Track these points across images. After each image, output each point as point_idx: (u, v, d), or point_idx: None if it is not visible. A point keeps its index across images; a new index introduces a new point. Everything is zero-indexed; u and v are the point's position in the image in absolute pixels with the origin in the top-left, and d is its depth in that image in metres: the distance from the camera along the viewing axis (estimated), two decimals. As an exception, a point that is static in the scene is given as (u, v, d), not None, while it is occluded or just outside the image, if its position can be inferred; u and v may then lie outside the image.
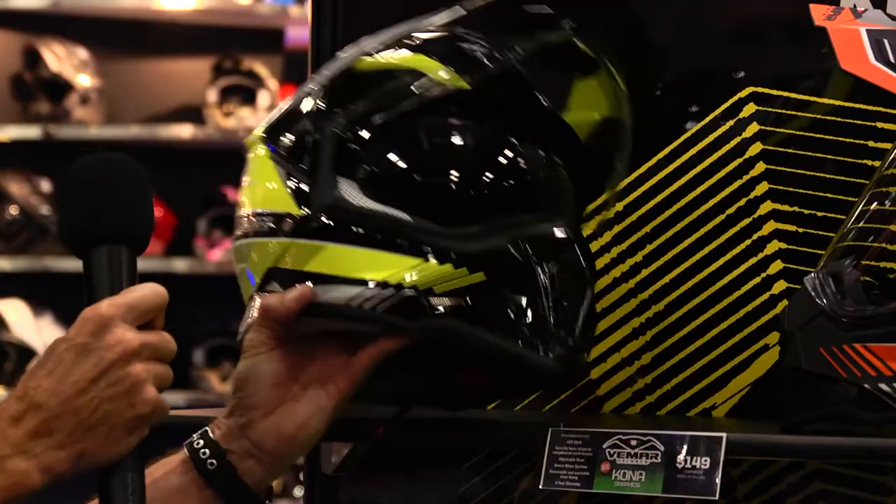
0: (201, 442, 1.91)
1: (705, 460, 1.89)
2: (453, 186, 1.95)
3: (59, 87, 7.10)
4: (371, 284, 1.88)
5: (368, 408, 2.42)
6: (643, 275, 2.28)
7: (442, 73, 1.95)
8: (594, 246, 2.23)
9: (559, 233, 1.94)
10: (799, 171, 2.16)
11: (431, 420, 2.30)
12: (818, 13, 1.97)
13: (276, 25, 7.37)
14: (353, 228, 1.91)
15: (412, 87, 1.95)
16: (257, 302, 1.95)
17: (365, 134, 1.95)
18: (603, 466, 1.96)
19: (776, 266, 2.06)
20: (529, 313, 1.88)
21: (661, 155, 2.25)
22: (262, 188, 1.99)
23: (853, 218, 1.96)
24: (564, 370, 1.90)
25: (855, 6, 2.19)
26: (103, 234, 1.67)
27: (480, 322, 1.88)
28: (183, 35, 7.34)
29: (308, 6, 2.64)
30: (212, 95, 7.12)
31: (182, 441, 1.98)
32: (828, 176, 2.13)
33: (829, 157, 2.14)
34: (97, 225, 1.67)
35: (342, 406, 1.95)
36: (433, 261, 1.87)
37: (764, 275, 2.17)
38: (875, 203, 1.94)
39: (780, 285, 2.15)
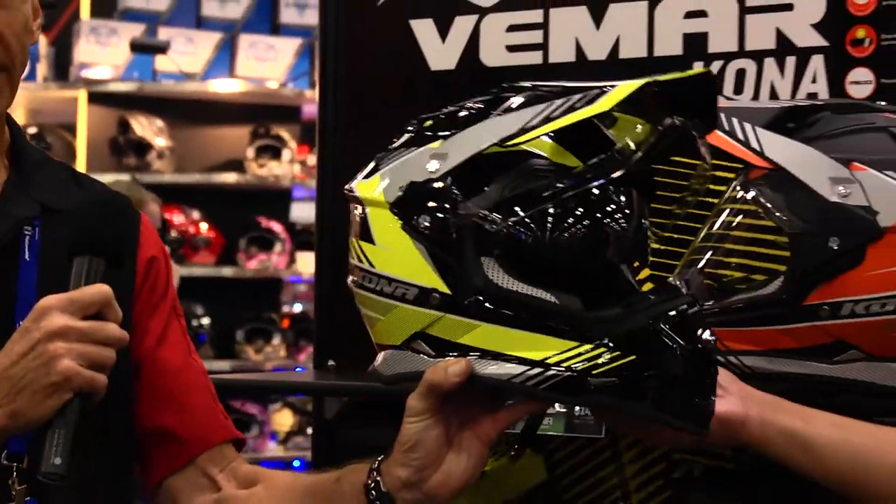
0: (374, 494, 1.72)
1: (595, 409, 1.87)
2: (592, 268, 1.68)
3: (142, 147, 7.09)
4: (532, 365, 1.62)
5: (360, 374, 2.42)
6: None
7: (564, 156, 1.65)
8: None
9: (683, 306, 1.64)
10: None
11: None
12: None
13: (296, 103, 7.37)
14: (504, 310, 1.64)
15: (542, 170, 1.65)
16: (421, 367, 1.68)
17: (505, 217, 1.63)
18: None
19: (644, 273, 2.05)
20: (673, 385, 1.61)
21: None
22: (399, 257, 1.68)
23: (699, 239, 1.96)
24: (704, 427, 1.64)
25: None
26: (79, 249, 1.62)
27: (632, 397, 1.62)
28: (230, 110, 7.32)
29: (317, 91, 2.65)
30: (250, 152, 7.11)
31: (227, 398, 1.93)
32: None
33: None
34: (75, 243, 1.63)
35: (486, 459, 1.72)
36: (588, 345, 1.61)
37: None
38: (714, 228, 1.94)
39: (647, 286, 2.14)
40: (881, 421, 1.95)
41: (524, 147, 1.64)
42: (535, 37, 2.40)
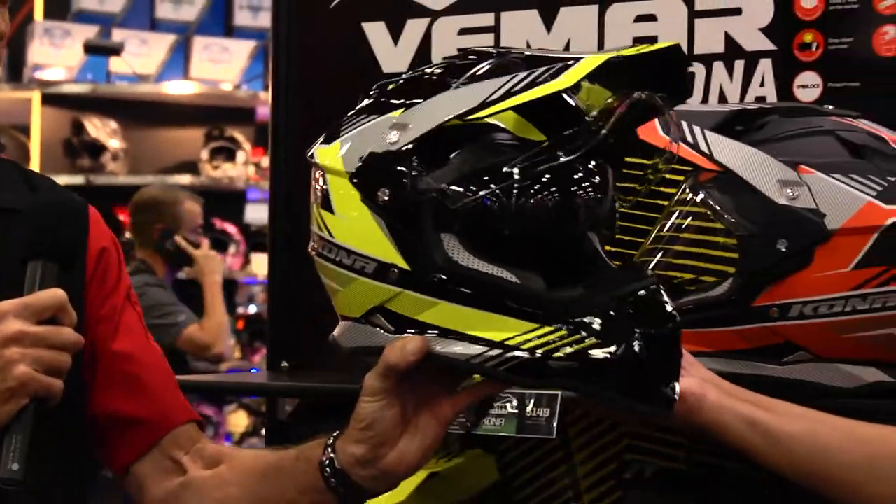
0: (328, 471, 1.69)
1: (545, 410, 1.89)
2: (555, 245, 1.63)
3: (96, 148, 7.07)
4: (491, 345, 1.58)
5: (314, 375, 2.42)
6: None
7: (528, 130, 1.61)
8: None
9: (649, 287, 1.59)
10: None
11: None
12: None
13: (250, 105, 7.37)
14: (464, 288, 1.59)
15: (505, 144, 1.61)
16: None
17: (466, 192, 1.58)
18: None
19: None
20: (636, 369, 1.57)
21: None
22: (358, 229, 1.64)
23: (649, 241, 1.96)
24: (668, 410, 1.60)
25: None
26: (33, 253, 1.60)
27: (594, 380, 1.57)
28: (184, 112, 7.32)
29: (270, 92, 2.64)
30: (204, 154, 7.12)
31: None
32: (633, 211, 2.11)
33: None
34: (29, 246, 1.61)
35: (440, 441, 1.70)
36: (549, 327, 1.57)
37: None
38: (663, 230, 1.94)
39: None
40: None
41: (486, 120, 1.60)
42: (487, 40, 2.40)
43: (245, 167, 7.18)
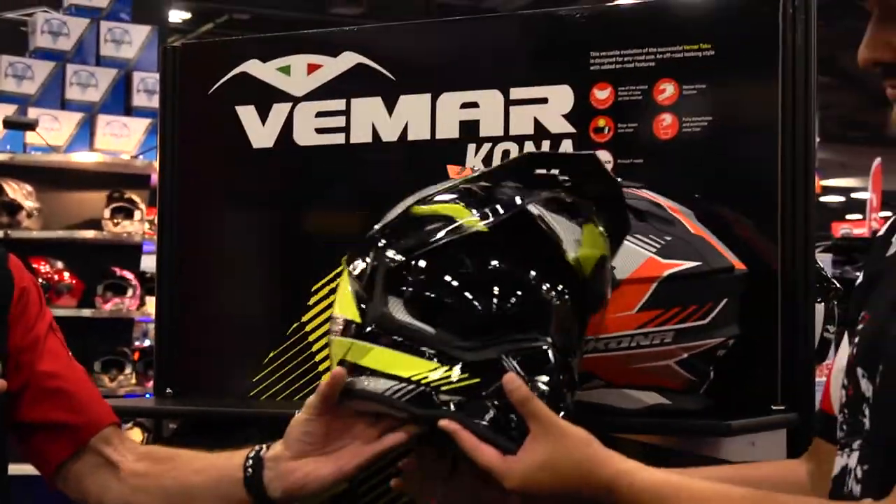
0: (253, 454, 1.70)
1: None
2: (464, 309, 1.60)
3: (13, 208, 6.92)
4: (400, 381, 1.59)
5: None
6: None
7: (468, 220, 1.62)
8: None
9: (542, 350, 1.59)
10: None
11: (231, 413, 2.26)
12: (452, 171, 1.96)
13: (146, 172, 7.26)
14: (394, 337, 1.61)
15: (444, 230, 1.62)
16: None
17: (408, 264, 1.62)
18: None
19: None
20: (506, 410, 1.54)
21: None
22: (340, 298, 1.70)
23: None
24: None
25: (473, 167, 2.20)
26: None
27: (472, 415, 1.55)
28: (89, 177, 7.19)
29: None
30: (107, 213, 6.99)
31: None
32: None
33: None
34: None
35: (355, 473, 1.65)
36: (445, 366, 1.58)
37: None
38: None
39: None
40: (618, 437, 1.97)
41: (438, 210, 1.65)
42: (339, 121, 2.38)
43: (141, 224, 7.08)
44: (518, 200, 1.64)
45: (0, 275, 1.75)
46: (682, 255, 1.88)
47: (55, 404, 1.80)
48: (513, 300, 1.61)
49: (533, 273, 1.63)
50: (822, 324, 2.24)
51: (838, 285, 2.34)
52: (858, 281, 1.54)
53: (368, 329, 1.63)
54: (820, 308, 2.20)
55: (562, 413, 1.56)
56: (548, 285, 1.63)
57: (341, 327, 1.68)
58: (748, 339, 1.97)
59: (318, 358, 2.36)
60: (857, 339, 1.47)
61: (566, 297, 1.64)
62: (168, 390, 2.50)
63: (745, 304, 1.95)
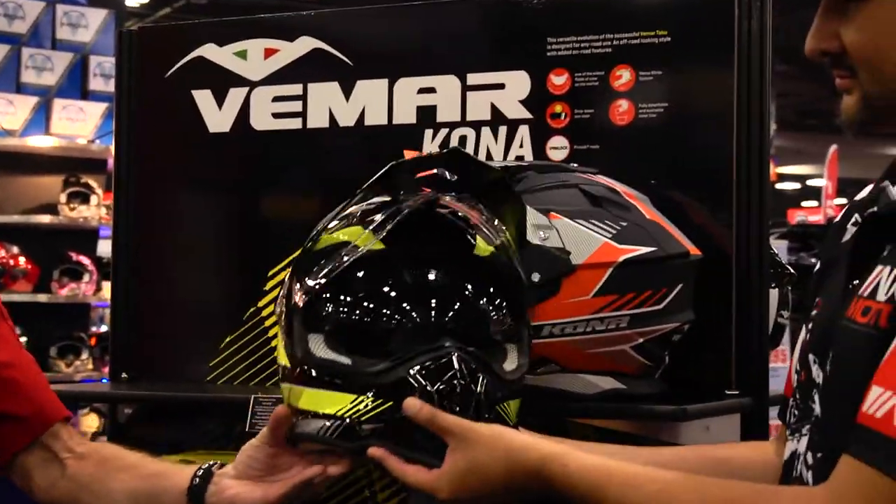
0: (205, 465, 1.74)
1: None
2: (368, 330, 1.59)
3: (-33, 193, 6.89)
4: (328, 418, 1.58)
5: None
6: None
7: (362, 238, 1.61)
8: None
9: (445, 358, 1.56)
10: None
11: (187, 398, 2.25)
12: (409, 156, 1.95)
13: (103, 157, 7.21)
14: (317, 375, 1.60)
15: (344, 256, 1.61)
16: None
17: (317, 298, 1.61)
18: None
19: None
20: (426, 431, 1.53)
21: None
22: (277, 345, 1.70)
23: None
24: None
25: (431, 152, 2.19)
26: None
27: (395, 439, 1.55)
28: (45, 162, 7.14)
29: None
30: (63, 198, 6.95)
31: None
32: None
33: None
34: None
35: (280, 502, 1.66)
36: (360, 396, 1.56)
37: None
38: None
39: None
40: (574, 422, 1.98)
41: (335, 238, 1.66)
42: (296, 106, 2.37)
43: (98, 209, 7.04)
44: (402, 207, 1.63)
45: None
46: (637, 241, 1.88)
47: (8, 395, 1.78)
48: (407, 313, 1.60)
49: (432, 277, 1.63)
50: (777, 309, 2.26)
51: (792, 271, 2.35)
52: (816, 267, 1.55)
53: (297, 371, 1.63)
54: (774, 294, 2.22)
55: (474, 407, 1.55)
56: (450, 285, 1.63)
57: (280, 374, 1.70)
58: (703, 325, 1.98)
59: (274, 343, 2.35)
60: (810, 326, 1.48)
61: (473, 292, 1.64)
62: (124, 375, 2.48)
63: (699, 289, 1.96)
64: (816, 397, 1.40)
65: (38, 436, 1.80)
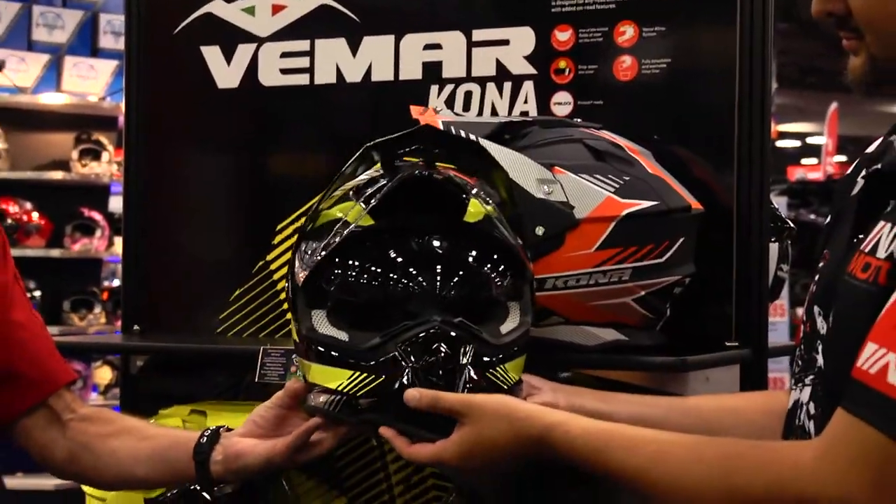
0: (213, 427, 1.76)
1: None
2: (360, 305, 1.60)
3: (-19, 148, 6.89)
4: (331, 393, 1.60)
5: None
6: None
7: (353, 212, 1.61)
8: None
9: (431, 332, 1.56)
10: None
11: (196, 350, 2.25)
12: (415, 111, 1.94)
13: (113, 114, 7.21)
14: (320, 350, 1.61)
15: (337, 231, 1.61)
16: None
17: (317, 274, 1.61)
18: (291, 368, 1.95)
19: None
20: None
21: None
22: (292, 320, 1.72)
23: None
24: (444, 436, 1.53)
25: (436, 107, 2.19)
26: None
27: (391, 412, 1.56)
28: (57, 119, 7.15)
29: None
30: (74, 154, 6.95)
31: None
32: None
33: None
34: None
35: (284, 456, 1.67)
36: (356, 371, 1.57)
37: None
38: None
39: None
40: (578, 373, 1.98)
41: (330, 214, 1.65)
42: (304, 62, 2.36)
43: (109, 165, 7.04)
44: (392, 181, 1.63)
45: None
46: (640, 195, 1.88)
47: (18, 355, 1.79)
48: (396, 286, 1.60)
49: (421, 249, 1.62)
50: (777, 263, 2.25)
51: (792, 225, 2.34)
52: (827, 220, 1.55)
53: (304, 346, 1.65)
54: (774, 248, 2.21)
55: (466, 376, 1.56)
56: (440, 255, 1.62)
57: (295, 349, 1.71)
58: (704, 278, 1.98)
59: (282, 296, 2.36)
60: (817, 277, 1.48)
61: (464, 259, 1.63)
62: (136, 328, 2.49)
63: (701, 243, 1.96)
64: (820, 349, 1.40)
65: (43, 398, 1.81)
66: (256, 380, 1.98)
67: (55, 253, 6.89)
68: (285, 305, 2.33)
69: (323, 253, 1.61)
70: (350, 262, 1.62)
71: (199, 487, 1.75)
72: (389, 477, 2.20)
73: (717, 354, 2.01)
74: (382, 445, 2.17)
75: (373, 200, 1.62)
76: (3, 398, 1.79)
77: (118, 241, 7.02)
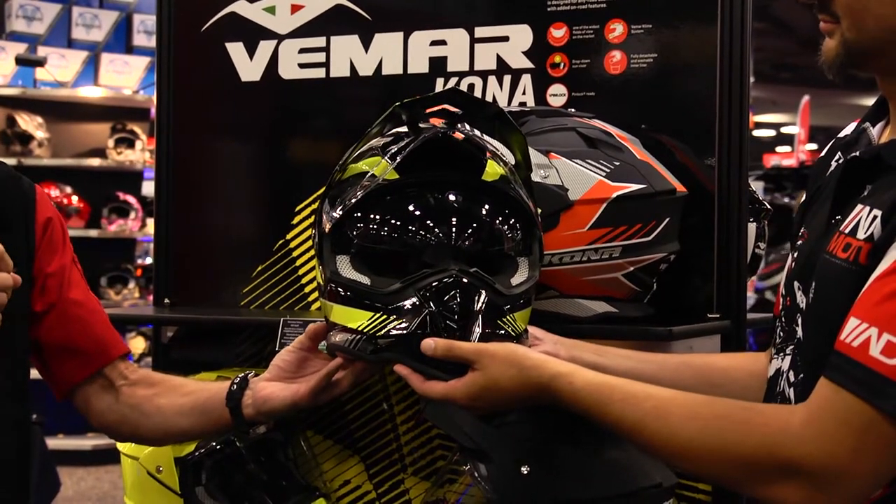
0: (242, 374, 1.77)
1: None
2: (383, 252, 1.58)
3: (26, 138, 6.87)
4: (352, 332, 1.58)
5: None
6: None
7: (380, 167, 1.59)
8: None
9: (448, 281, 1.54)
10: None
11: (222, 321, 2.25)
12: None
13: (146, 106, 7.23)
14: (343, 292, 1.59)
15: (363, 185, 1.59)
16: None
17: (343, 222, 1.59)
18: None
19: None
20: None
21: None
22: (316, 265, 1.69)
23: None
24: (456, 375, 1.52)
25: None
26: None
27: (407, 352, 1.53)
28: (94, 110, 7.15)
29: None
30: (110, 143, 6.98)
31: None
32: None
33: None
34: None
35: (308, 396, 1.68)
36: (376, 314, 1.55)
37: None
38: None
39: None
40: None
41: (359, 167, 1.63)
42: (320, 57, 2.35)
43: (142, 153, 7.05)
44: (416, 138, 1.60)
45: (25, 204, 1.72)
46: (629, 179, 1.87)
47: (77, 330, 1.79)
48: (417, 236, 1.58)
49: (442, 202, 1.59)
50: (754, 241, 2.24)
51: (769, 207, 2.34)
52: (802, 199, 1.54)
53: (328, 288, 1.62)
54: (752, 227, 2.21)
55: (478, 325, 1.54)
56: (459, 209, 1.59)
57: (317, 291, 1.69)
58: (687, 255, 1.98)
59: (301, 272, 2.35)
60: (795, 255, 1.47)
61: (481, 214, 1.60)
62: (166, 301, 2.49)
63: (685, 222, 1.95)
64: (800, 321, 1.40)
65: (99, 368, 1.82)
66: (277, 349, 1.97)
67: (93, 233, 6.91)
68: (300, 262, 2.32)
69: (350, 202, 1.59)
70: (374, 213, 1.60)
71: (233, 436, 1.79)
72: (399, 437, 2.21)
73: (701, 325, 2.01)
74: (393, 408, 2.17)
75: (398, 157, 1.59)
76: (64, 369, 1.80)
77: (150, 223, 7.04)
